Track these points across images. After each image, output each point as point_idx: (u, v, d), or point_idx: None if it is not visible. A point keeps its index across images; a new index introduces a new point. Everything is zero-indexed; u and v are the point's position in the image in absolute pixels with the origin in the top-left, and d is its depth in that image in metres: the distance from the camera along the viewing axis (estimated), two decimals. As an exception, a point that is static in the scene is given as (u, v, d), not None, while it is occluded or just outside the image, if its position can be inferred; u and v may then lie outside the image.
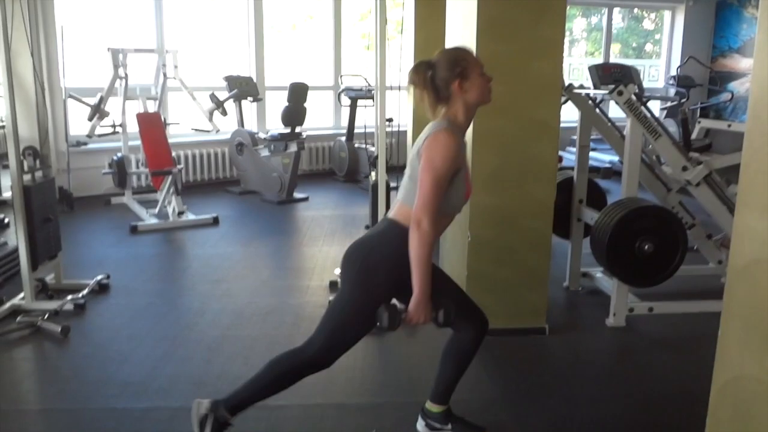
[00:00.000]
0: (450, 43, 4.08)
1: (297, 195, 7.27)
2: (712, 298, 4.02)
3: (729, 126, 4.41)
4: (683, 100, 9.20)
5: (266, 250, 5.39)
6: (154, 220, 5.95)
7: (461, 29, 3.61)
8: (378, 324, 2.02)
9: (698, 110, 9.75)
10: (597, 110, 4.28)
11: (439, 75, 2.08)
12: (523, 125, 3.41)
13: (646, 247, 3.47)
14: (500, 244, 3.53)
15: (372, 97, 8.01)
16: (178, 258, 5.26)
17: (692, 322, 3.84)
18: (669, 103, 9.00)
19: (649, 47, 11.58)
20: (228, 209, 6.72)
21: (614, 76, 8.43)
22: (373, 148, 7.78)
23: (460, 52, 2.15)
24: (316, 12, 9.39)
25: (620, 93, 3.55)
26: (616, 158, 8.43)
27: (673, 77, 9.82)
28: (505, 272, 3.56)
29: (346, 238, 5.64)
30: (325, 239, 5.67)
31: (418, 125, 5.99)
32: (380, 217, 3.93)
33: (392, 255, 2.06)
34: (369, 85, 8.22)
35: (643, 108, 3.58)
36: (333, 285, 4.36)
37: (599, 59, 10.46)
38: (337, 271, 4.63)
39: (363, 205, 6.93)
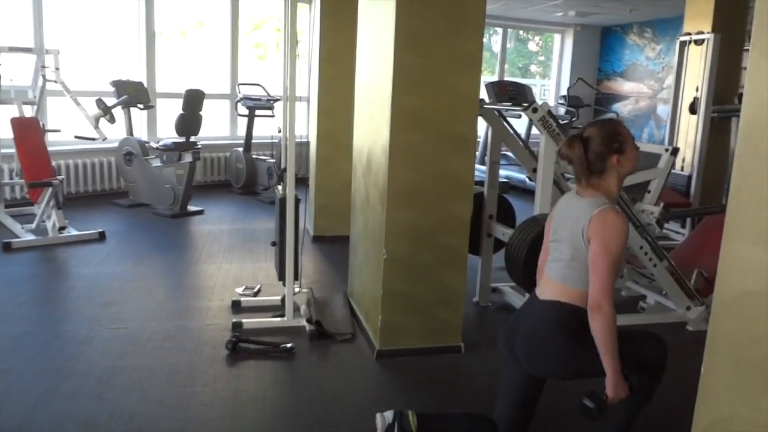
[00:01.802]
0: (362, 53, 3.95)
1: (191, 208, 6.86)
2: (618, 313, 4.15)
3: (631, 145, 4.55)
4: (573, 119, 9.62)
5: (160, 269, 5.00)
6: (30, 237, 5.38)
7: (376, 41, 3.49)
8: (586, 412, 2.07)
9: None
10: (507, 126, 4.28)
11: (594, 149, 2.06)
12: (440, 140, 3.32)
13: (560, 263, 3.46)
14: (416, 262, 3.42)
15: (271, 107, 7.77)
16: (59, 279, 4.76)
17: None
18: (560, 122, 9.36)
19: (533, 68, 12.04)
20: (115, 224, 6.22)
21: (509, 94, 8.68)
22: (272, 160, 7.53)
23: (614, 126, 2.12)
24: (207, 19, 9.00)
25: (535, 110, 3.55)
26: (513, 174, 8.66)
27: (564, 97, 10.26)
28: (420, 290, 3.45)
29: (247, 254, 5.37)
30: (224, 255, 5.35)
31: (323, 137, 5.80)
32: (290, 233, 3.71)
33: (574, 335, 2.07)
34: (268, 94, 7.96)
35: (556, 125, 3.61)
36: (235, 305, 4.08)
37: (491, 78, 10.73)
38: (239, 289, 4.35)
39: (262, 218, 6.66)
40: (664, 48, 9.77)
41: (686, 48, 6.50)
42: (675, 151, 3.93)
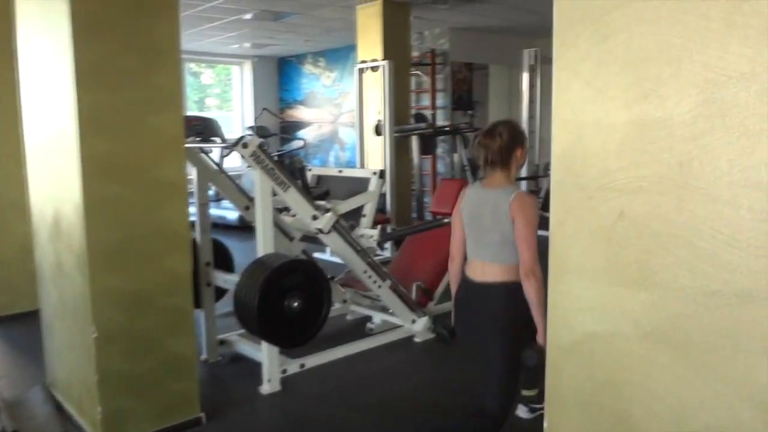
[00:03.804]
0: (28, 94, 3.28)
1: None
2: (351, 340, 4.14)
3: (340, 172, 4.60)
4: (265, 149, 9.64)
5: None
6: None
7: (49, 78, 2.91)
8: (528, 364, 2.37)
9: (276, 157, 10.35)
10: (214, 164, 3.98)
11: (507, 141, 2.39)
12: (145, 189, 2.89)
13: (295, 303, 3.29)
14: (135, 333, 2.92)
15: None
16: None
17: (340, 367, 3.86)
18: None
19: (210, 101, 11.74)
20: None
21: (197, 129, 8.34)
22: None
23: (517, 125, 2.52)
24: None
25: (245, 146, 3.31)
26: (214, 212, 8.28)
27: (251, 128, 10.23)
28: (145, 365, 2.96)
29: None
30: None
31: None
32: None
33: (521, 307, 2.33)
34: None
35: (268, 160, 3.42)
36: None
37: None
38: None
39: None
40: (338, 75, 10.36)
41: (364, 74, 6.92)
42: (382, 174, 4.06)
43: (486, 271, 2.43)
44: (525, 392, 3.03)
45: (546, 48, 7.30)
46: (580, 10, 1.24)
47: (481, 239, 2.44)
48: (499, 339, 2.42)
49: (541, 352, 2.35)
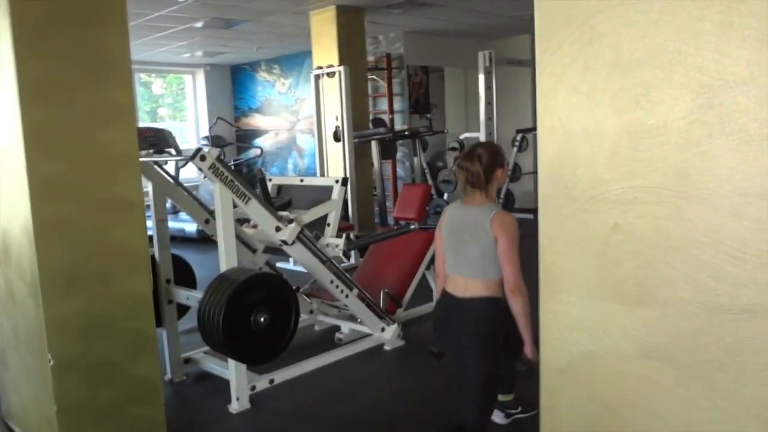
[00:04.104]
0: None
1: None
2: (320, 352, 4.05)
3: (302, 181, 4.51)
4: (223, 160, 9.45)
5: None
6: None
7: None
8: (521, 375, 2.43)
9: (233, 166, 10.18)
10: (169, 177, 3.85)
11: (486, 163, 2.43)
12: (99, 207, 2.75)
13: (263, 319, 3.19)
14: (95, 359, 2.78)
15: None
16: None
17: (311, 380, 3.77)
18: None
19: (162, 111, 11.46)
20: None
21: (150, 141, 8.12)
22: None
23: (497, 147, 2.56)
24: None
25: (203, 158, 3.20)
26: (172, 225, 8.08)
27: (206, 137, 10.03)
28: (107, 392, 2.82)
29: None
30: None
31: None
32: None
33: (501, 322, 2.40)
34: None
35: (228, 172, 3.31)
36: None
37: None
38: None
39: None
40: (293, 82, 10.24)
41: (321, 81, 6.84)
42: (345, 182, 3.98)
43: (468, 286, 2.45)
44: (501, 397, 3.02)
45: (500, 49, 7.34)
46: (564, 13, 1.17)
47: (460, 254, 2.47)
48: (479, 353, 2.42)
49: (529, 364, 2.41)
